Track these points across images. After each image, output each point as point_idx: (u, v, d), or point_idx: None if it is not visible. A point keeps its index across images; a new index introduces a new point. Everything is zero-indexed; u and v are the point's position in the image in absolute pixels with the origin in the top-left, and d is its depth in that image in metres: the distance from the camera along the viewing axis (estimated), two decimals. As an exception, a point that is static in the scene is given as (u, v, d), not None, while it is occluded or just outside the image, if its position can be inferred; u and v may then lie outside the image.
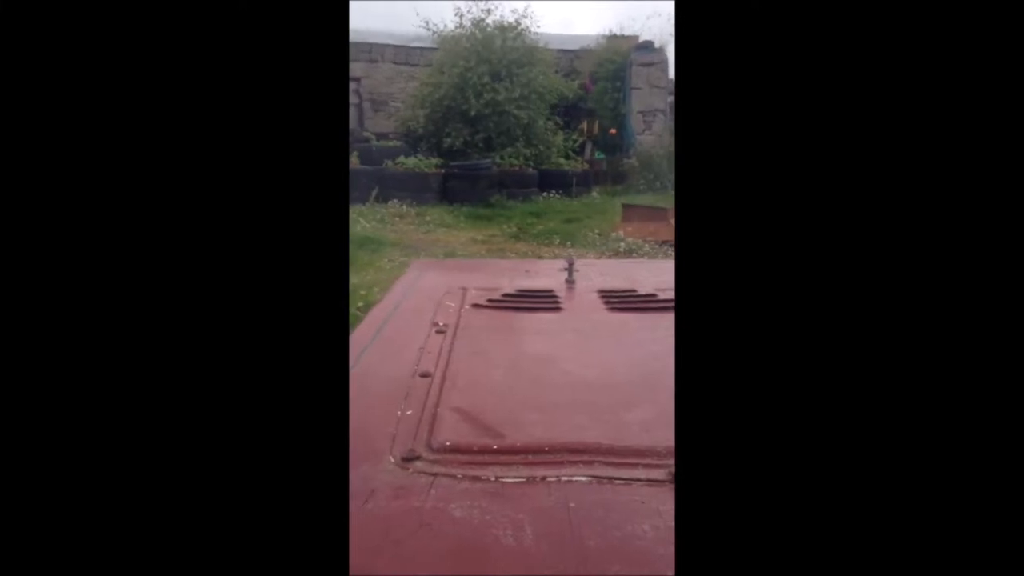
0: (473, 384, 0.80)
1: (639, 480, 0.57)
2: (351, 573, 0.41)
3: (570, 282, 1.36)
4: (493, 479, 0.58)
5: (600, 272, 1.49)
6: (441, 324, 1.04)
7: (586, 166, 11.66)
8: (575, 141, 11.53)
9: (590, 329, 1.04)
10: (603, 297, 1.22)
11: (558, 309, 1.17)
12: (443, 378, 0.80)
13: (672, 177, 12.02)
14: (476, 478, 0.57)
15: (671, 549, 0.42)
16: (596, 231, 6.89)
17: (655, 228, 6.41)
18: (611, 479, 0.57)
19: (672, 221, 6.60)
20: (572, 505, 0.53)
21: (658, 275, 1.42)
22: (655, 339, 0.95)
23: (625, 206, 7.51)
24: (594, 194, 11.04)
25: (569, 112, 11.90)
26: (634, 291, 1.25)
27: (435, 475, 0.58)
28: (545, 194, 9.73)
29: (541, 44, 10.27)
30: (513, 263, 2.18)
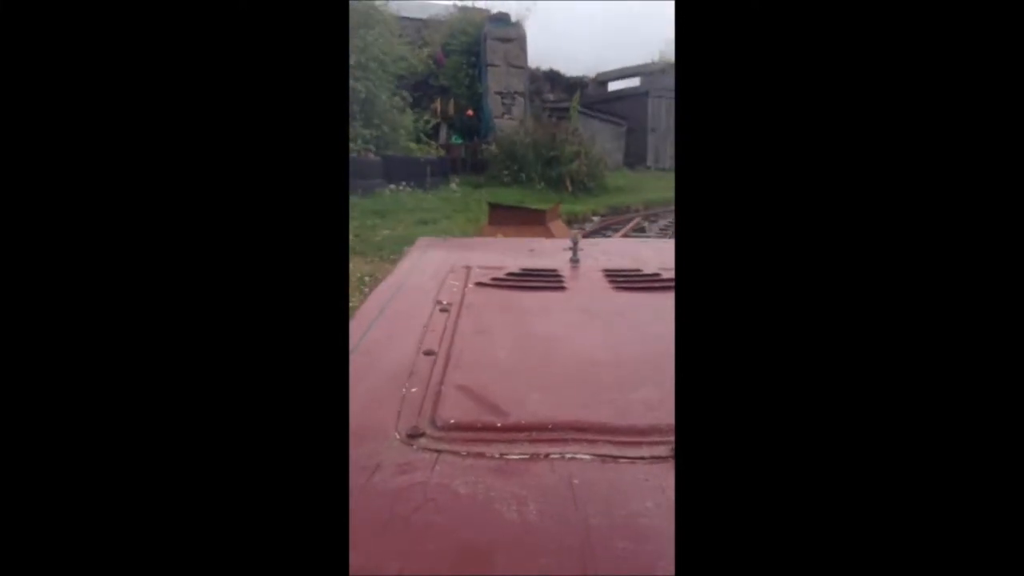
0: (477, 362, 0.81)
1: (642, 458, 0.60)
2: (353, 546, 0.43)
3: (574, 261, 1.36)
4: (497, 456, 0.59)
5: (604, 251, 1.51)
6: (445, 303, 1.04)
7: (442, 152, 9.65)
8: (427, 123, 9.41)
9: (594, 308, 1.05)
10: (607, 276, 1.23)
11: (562, 288, 1.18)
12: (447, 356, 0.81)
13: (539, 169, 10.17)
14: (480, 455, 0.59)
15: (673, 523, 0.45)
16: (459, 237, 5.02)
17: (531, 235, 4.70)
18: (614, 457, 0.60)
19: (549, 225, 4.90)
20: (576, 483, 0.55)
21: (662, 254, 1.43)
22: (659, 318, 0.96)
23: (492, 206, 5.70)
24: (453, 186, 9.16)
25: (419, 88, 9.83)
26: (638, 270, 1.27)
27: (439, 452, 0.60)
28: (393, 187, 7.62)
29: (380, 6, 8.02)
30: (517, 242, 2.07)
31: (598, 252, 1.48)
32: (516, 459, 0.59)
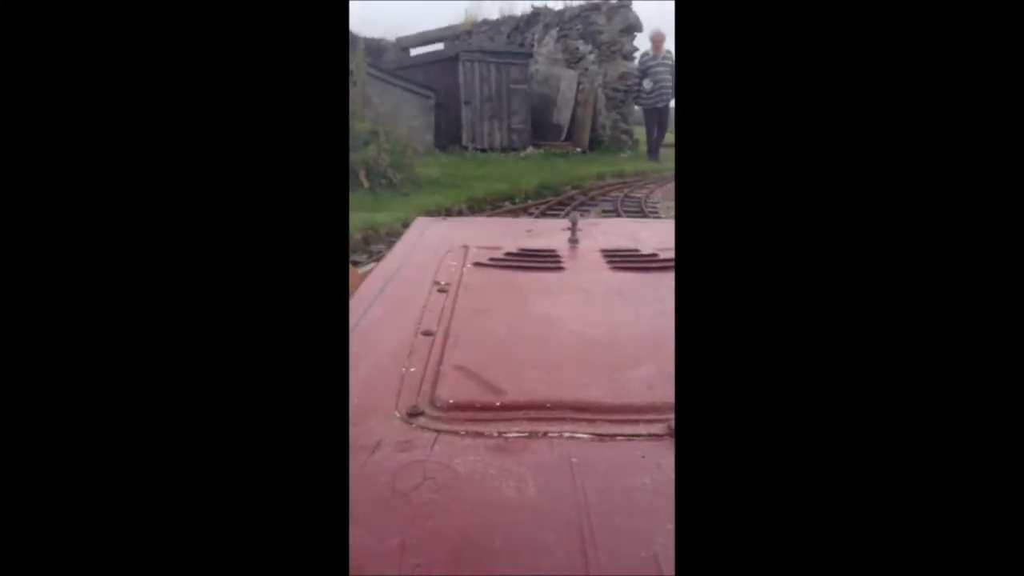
0: (476, 342, 0.84)
1: (639, 435, 0.63)
2: (354, 523, 0.47)
3: (573, 241, 1.43)
4: (496, 435, 0.62)
5: (603, 231, 1.53)
6: (443, 283, 1.07)
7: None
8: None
9: (593, 288, 1.09)
10: (606, 256, 1.27)
11: (561, 268, 1.25)
12: (446, 336, 0.84)
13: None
14: (479, 434, 0.62)
15: (670, 500, 0.49)
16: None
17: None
18: (612, 435, 0.63)
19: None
20: (574, 460, 0.58)
21: (660, 235, 1.46)
22: (657, 298, 1.02)
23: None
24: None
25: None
26: (636, 251, 1.30)
27: (438, 431, 0.62)
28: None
29: None
30: (515, 221, 2.25)
31: (597, 232, 1.51)
32: (515, 437, 0.61)
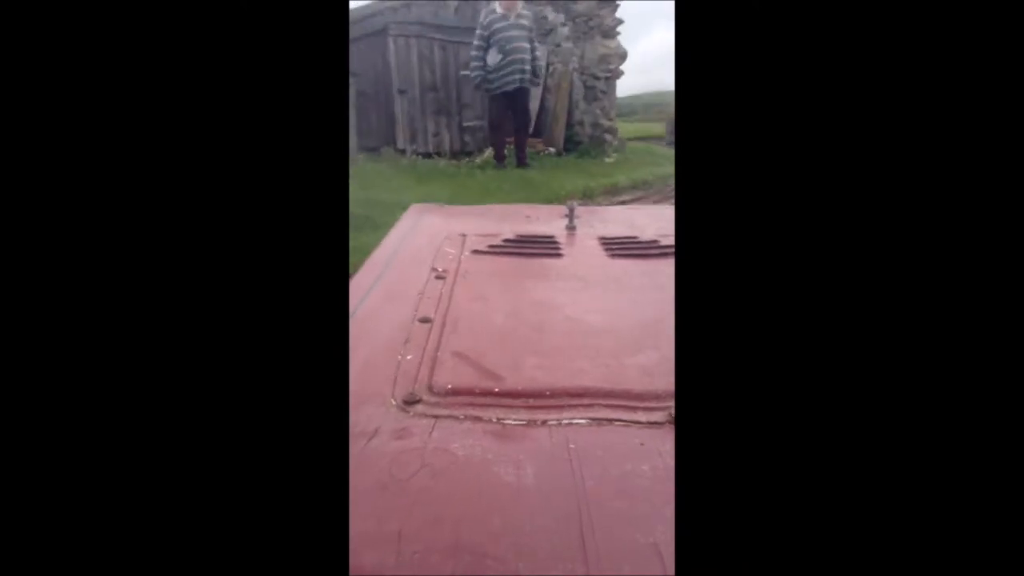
0: (474, 329, 0.86)
1: (639, 422, 0.65)
2: (352, 509, 0.51)
3: (571, 228, 1.46)
4: (494, 421, 0.64)
5: (601, 219, 1.54)
6: (440, 270, 1.10)
7: None
8: None
9: (591, 275, 1.12)
10: (604, 244, 1.30)
11: (559, 255, 1.29)
12: (443, 323, 0.87)
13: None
14: (477, 419, 0.65)
15: (669, 487, 0.52)
16: None
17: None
18: (611, 421, 0.66)
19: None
20: (572, 447, 0.61)
21: (660, 221, 1.50)
22: (656, 285, 1.05)
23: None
24: None
25: None
26: (635, 238, 1.32)
27: (436, 417, 0.65)
28: None
29: None
30: (512, 208, 2.03)
31: (595, 220, 1.52)
32: (513, 424, 0.63)
